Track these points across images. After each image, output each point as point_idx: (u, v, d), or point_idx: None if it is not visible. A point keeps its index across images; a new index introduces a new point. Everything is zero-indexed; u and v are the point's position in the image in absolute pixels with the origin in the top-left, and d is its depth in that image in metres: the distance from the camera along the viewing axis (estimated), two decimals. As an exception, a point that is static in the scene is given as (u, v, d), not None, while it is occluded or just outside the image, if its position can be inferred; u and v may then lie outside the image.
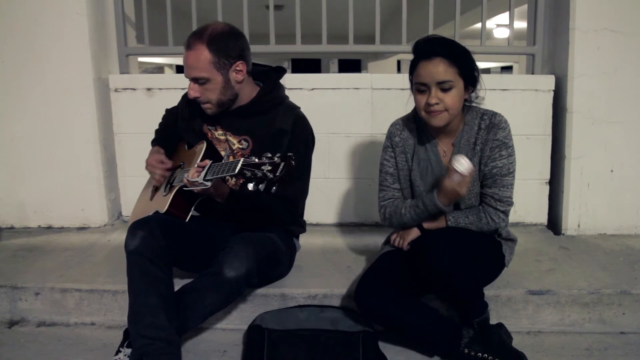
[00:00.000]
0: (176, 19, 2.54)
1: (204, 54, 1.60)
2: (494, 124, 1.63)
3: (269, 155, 1.37)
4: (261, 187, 1.36)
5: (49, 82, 2.37)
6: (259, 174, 1.35)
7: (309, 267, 1.98)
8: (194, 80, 1.64)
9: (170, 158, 1.88)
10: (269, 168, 1.35)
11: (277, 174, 1.34)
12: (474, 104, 1.66)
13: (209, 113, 1.72)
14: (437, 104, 1.54)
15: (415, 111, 1.73)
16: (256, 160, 1.36)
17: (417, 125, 1.71)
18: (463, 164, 1.50)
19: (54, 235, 2.41)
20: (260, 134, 1.72)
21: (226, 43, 1.62)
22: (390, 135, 1.74)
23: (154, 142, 1.93)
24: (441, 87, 1.54)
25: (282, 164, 1.35)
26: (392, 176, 1.74)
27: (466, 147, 1.65)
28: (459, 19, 2.49)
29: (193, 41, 1.61)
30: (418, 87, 1.57)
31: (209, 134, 1.77)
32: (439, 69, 1.52)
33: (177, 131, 1.87)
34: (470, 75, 1.57)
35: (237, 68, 1.66)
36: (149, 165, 1.79)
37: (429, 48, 1.54)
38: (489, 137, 1.63)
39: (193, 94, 1.66)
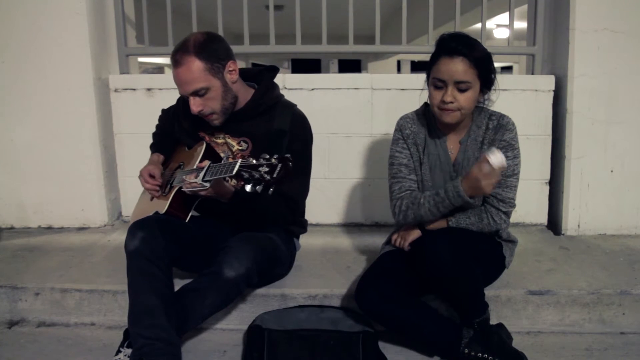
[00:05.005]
0: (176, 19, 2.54)
1: (196, 65, 1.58)
2: (501, 125, 1.64)
3: (267, 156, 1.37)
4: (258, 188, 1.36)
5: (49, 82, 2.36)
6: (256, 176, 1.35)
7: (309, 267, 1.98)
8: (194, 94, 1.62)
9: (169, 159, 1.88)
10: (266, 169, 1.34)
11: (274, 175, 1.34)
12: (483, 105, 1.66)
13: (216, 124, 1.70)
14: (451, 102, 1.54)
15: (425, 106, 1.73)
16: (253, 161, 1.36)
17: (427, 120, 1.71)
18: (497, 156, 1.47)
19: (54, 235, 2.41)
20: (259, 135, 1.72)
21: (212, 47, 1.61)
22: (400, 127, 1.73)
23: (153, 147, 1.92)
24: (458, 87, 1.54)
25: (280, 166, 1.35)
26: (407, 167, 1.71)
27: (473, 146, 1.66)
28: (459, 19, 2.49)
29: (180, 56, 1.58)
30: (435, 82, 1.56)
31: (207, 137, 1.77)
32: (459, 69, 1.52)
33: (174, 133, 1.87)
34: (487, 79, 1.58)
35: (230, 68, 1.65)
36: (140, 177, 1.78)
37: (453, 46, 1.53)
38: (496, 137, 1.63)
39: (196, 109, 1.63)
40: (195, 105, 1.63)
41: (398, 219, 1.70)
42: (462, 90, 1.54)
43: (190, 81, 1.59)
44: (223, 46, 1.65)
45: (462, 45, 1.52)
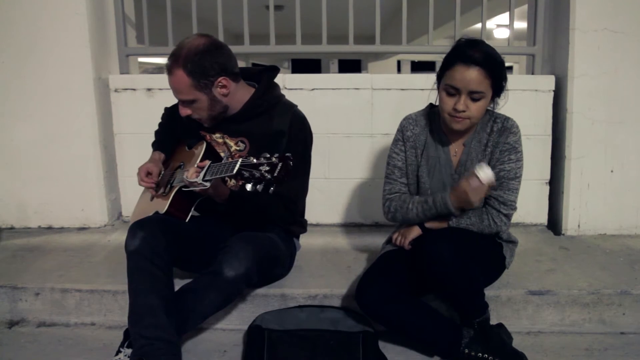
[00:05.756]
0: (176, 19, 2.54)
1: (182, 79, 1.58)
2: (506, 127, 1.64)
3: (267, 155, 1.37)
4: (259, 187, 1.36)
5: (49, 82, 2.36)
6: (257, 175, 1.35)
7: (309, 267, 1.98)
8: (181, 102, 1.65)
9: (170, 158, 1.88)
10: (267, 168, 1.35)
11: (275, 174, 1.34)
12: (488, 108, 1.66)
13: (206, 126, 1.74)
14: (463, 111, 1.54)
15: (429, 107, 1.73)
16: (254, 160, 1.37)
17: (430, 122, 1.71)
18: (486, 172, 1.49)
19: (54, 235, 2.41)
20: (257, 135, 1.72)
21: (202, 63, 1.58)
22: (402, 128, 1.73)
23: (154, 145, 1.93)
24: (472, 97, 1.53)
25: (280, 165, 1.35)
26: (400, 170, 1.73)
27: (477, 149, 1.66)
28: (459, 19, 2.49)
29: (171, 65, 1.60)
30: (448, 88, 1.55)
31: (207, 136, 1.77)
32: (475, 79, 1.51)
33: (176, 131, 1.87)
34: (499, 87, 1.57)
35: (221, 84, 1.63)
36: (138, 174, 1.78)
37: (470, 55, 1.51)
38: (500, 140, 1.63)
39: (184, 113, 1.67)
40: (183, 110, 1.67)
41: (387, 218, 1.74)
42: (475, 100, 1.54)
43: (177, 91, 1.63)
44: (217, 60, 1.61)
45: (480, 55, 1.51)
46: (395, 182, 1.73)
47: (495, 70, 1.53)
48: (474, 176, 1.50)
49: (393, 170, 1.73)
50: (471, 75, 1.51)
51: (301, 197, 1.85)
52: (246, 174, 1.35)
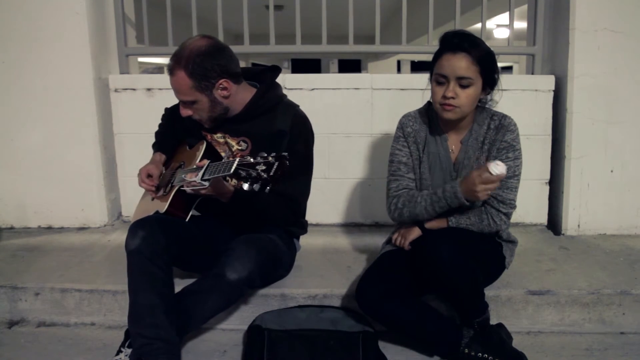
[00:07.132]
0: (176, 19, 2.54)
1: (183, 80, 1.59)
2: (503, 125, 1.64)
3: (264, 155, 1.38)
4: (255, 186, 1.37)
5: (49, 82, 2.36)
6: (254, 174, 1.35)
7: (309, 267, 1.98)
8: (182, 102, 1.66)
9: (170, 158, 1.88)
10: (263, 168, 1.35)
11: (271, 173, 1.35)
12: (486, 105, 1.67)
13: (206, 127, 1.74)
14: (452, 98, 1.55)
15: (427, 105, 1.74)
16: (251, 160, 1.37)
17: (429, 119, 1.72)
18: (498, 167, 1.47)
19: (54, 235, 2.41)
20: (259, 134, 1.72)
21: (203, 65, 1.58)
22: (402, 125, 1.74)
23: (155, 146, 1.93)
24: (460, 83, 1.54)
25: (276, 164, 1.35)
26: (407, 165, 1.72)
27: (474, 146, 1.66)
28: (459, 19, 2.49)
29: (172, 66, 1.60)
30: (438, 78, 1.57)
31: (209, 136, 1.78)
32: (462, 65, 1.53)
33: (176, 131, 1.87)
34: (490, 77, 1.58)
35: (221, 86, 1.64)
36: (138, 175, 1.78)
37: (456, 42, 1.54)
38: (497, 137, 1.64)
39: (185, 114, 1.68)
40: (184, 111, 1.67)
41: (393, 216, 1.71)
42: (463, 87, 1.55)
43: (178, 91, 1.63)
44: (219, 63, 1.61)
45: (465, 42, 1.54)
46: (402, 177, 1.71)
47: (482, 56, 1.54)
48: (485, 170, 1.49)
49: (399, 167, 1.72)
50: (458, 62, 1.53)
51: (304, 197, 1.84)
52: (243, 174, 1.36)
